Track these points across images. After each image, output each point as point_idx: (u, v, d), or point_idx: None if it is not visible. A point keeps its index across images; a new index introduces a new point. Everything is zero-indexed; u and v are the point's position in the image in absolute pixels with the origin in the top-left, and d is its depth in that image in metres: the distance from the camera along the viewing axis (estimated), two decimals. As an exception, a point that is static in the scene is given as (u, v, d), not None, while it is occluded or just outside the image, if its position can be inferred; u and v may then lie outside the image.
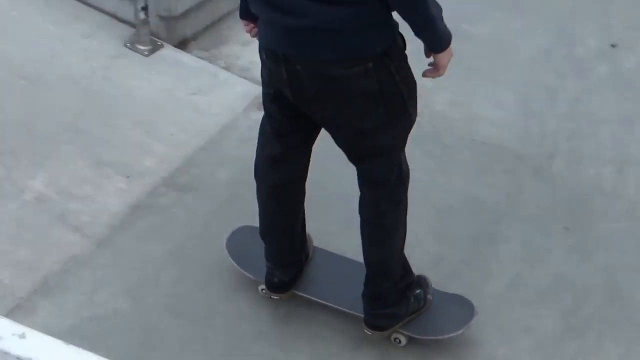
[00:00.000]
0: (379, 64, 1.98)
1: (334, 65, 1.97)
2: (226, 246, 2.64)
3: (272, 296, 2.53)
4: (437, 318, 2.47)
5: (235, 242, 2.65)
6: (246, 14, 2.14)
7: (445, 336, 2.45)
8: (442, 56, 2.03)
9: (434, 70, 2.06)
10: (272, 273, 2.47)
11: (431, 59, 2.06)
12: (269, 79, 2.13)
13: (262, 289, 2.55)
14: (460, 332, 2.43)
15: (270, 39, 2.03)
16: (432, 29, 1.97)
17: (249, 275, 2.59)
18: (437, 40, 2.00)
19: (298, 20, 1.91)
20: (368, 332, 2.42)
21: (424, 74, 2.09)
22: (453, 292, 2.55)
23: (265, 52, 2.06)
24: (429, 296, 2.46)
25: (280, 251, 2.45)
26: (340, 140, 2.20)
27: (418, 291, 2.43)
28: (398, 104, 2.08)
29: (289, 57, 1.98)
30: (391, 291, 2.35)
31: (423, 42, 2.01)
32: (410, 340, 2.45)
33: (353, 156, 2.23)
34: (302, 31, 1.93)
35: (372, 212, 2.28)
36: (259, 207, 2.41)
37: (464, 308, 2.48)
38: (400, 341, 2.44)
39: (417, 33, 1.97)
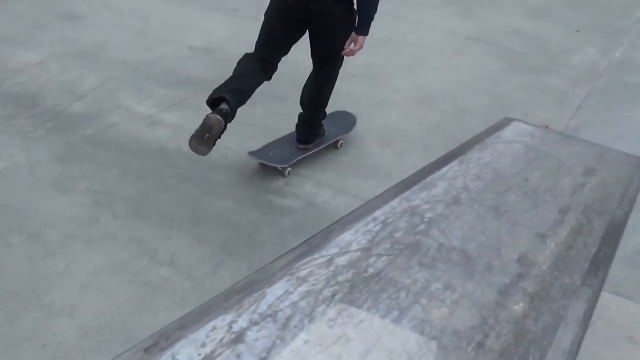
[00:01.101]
0: (350, 4, 3.37)
1: (331, 3, 3.30)
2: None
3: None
4: (336, 126, 4.05)
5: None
6: None
7: (346, 133, 4.04)
8: (364, 39, 3.46)
9: (357, 48, 3.49)
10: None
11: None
12: (285, 11, 3.35)
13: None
14: (351, 130, 4.07)
15: None
16: (372, 20, 3.43)
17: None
18: (369, 28, 3.44)
19: None
20: (301, 147, 3.80)
21: (347, 53, 3.52)
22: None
23: None
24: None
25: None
26: (322, 43, 3.54)
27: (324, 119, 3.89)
28: (351, 27, 3.43)
29: None
30: (318, 120, 3.83)
31: (362, 27, 3.44)
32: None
33: (323, 54, 3.61)
34: None
35: (322, 74, 3.70)
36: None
37: (349, 117, 4.20)
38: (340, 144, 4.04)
39: (366, 21, 3.42)
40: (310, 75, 3.78)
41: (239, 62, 3.52)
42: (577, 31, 6.18)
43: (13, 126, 3.91)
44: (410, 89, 4.79)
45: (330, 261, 1.69)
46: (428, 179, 2.21)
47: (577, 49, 5.83)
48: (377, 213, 1.96)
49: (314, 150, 3.83)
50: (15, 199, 3.35)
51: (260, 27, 3.52)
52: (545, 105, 4.81)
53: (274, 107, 4.36)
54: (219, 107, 3.27)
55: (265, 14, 3.48)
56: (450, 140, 3.76)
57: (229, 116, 3.29)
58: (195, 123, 4.05)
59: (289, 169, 3.72)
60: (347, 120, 4.19)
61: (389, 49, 5.37)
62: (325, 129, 3.94)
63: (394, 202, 2.02)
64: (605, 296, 3.10)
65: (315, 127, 3.84)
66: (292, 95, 4.51)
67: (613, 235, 2.17)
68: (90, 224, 3.22)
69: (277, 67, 3.56)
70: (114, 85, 4.42)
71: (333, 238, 1.80)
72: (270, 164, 3.69)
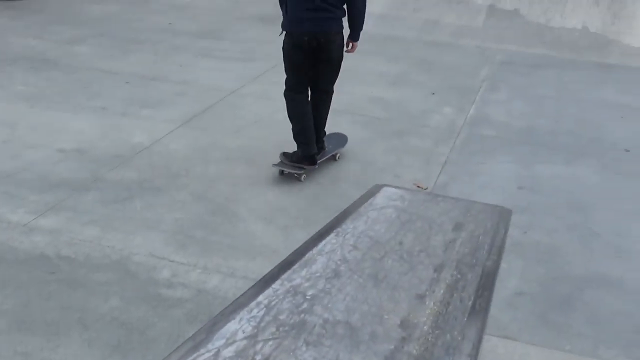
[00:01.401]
0: (342, 34, 4.51)
1: (333, 35, 4.46)
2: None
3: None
4: (334, 144, 5.08)
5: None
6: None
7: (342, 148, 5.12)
8: (357, 43, 4.69)
9: (354, 49, 4.70)
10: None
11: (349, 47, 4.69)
12: (303, 47, 4.43)
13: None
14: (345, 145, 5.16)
15: (310, 29, 4.38)
16: (361, 29, 4.61)
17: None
18: (359, 35, 4.65)
19: (326, 14, 4.37)
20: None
21: (349, 52, 4.69)
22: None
23: (307, 35, 4.38)
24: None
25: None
26: (327, 69, 4.62)
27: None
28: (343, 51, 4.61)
29: (318, 33, 4.39)
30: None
31: (354, 35, 4.63)
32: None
33: (328, 79, 4.71)
34: (328, 20, 4.39)
35: (320, 102, 4.77)
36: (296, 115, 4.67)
37: (342, 137, 5.24)
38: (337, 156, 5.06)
39: (356, 30, 4.61)
40: (308, 108, 4.68)
41: (292, 113, 4.68)
42: (433, 94, 6.51)
43: None
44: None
45: (217, 354, 1.66)
46: (307, 255, 2.23)
47: (436, 109, 6.13)
48: (260, 298, 1.95)
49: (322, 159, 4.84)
50: None
51: (284, 64, 4.60)
52: (413, 166, 4.99)
53: (152, 200, 4.29)
54: (316, 160, 4.71)
55: (287, 55, 4.54)
56: (330, 211, 3.84)
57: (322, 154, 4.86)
58: (74, 225, 3.94)
59: (304, 175, 4.69)
60: (341, 139, 5.20)
61: (261, 129, 5.45)
62: (325, 144, 4.93)
63: (276, 285, 2.02)
64: (492, 340, 3.20)
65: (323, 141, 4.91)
66: (169, 185, 4.48)
67: (486, 285, 2.25)
68: (-32, 346, 3.00)
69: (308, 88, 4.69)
70: (-16, 196, 4.22)
71: (218, 330, 1.77)
72: (292, 171, 4.66)
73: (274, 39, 7.54)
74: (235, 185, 4.54)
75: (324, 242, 2.35)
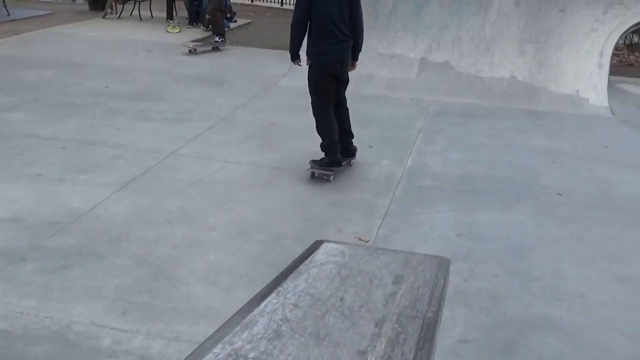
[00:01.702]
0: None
1: (349, 59, 5.71)
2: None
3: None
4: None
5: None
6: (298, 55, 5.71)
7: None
8: (357, 62, 5.88)
9: (353, 68, 5.84)
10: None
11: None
12: (331, 72, 5.60)
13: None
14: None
15: (338, 55, 5.59)
16: (360, 52, 5.82)
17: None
18: (359, 55, 5.83)
19: (346, 44, 5.62)
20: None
21: (350, 70, 5.83)
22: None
23: (337, 60, 5.58)
24: None
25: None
26: (344, 86, 5.86)
27: None
28: None
29: (342, 59, 5.63)
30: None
31: (356, 56, 5.79)
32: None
33: (344, 93, 5.91)
34: (347, 48, 5.65)
35: (345, 111, 5.94)
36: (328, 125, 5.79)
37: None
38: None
39: (357, 52, 5.79)
40: (332, 116, 5.81)
41: (325, 127, 5.79)
42: (370, 146, 6.63)
43: None
44: (226, 225, 4.85)
45: None
46: (248, 317, 2.22)
47: (374, 162, 6.24)
48: (201, 364, 1.93)
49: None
50: None
51: (311, 88, 5.74)
52: (354, 219, 5.05)
53: (93, 266, 4.21)
54: (341, 162, 5.88)
55: (315, 81, 5.66)
56: (273, 268, 3.84)
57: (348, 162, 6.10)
58: (11, 297, 3.83)
59: (332, 175, 5.76)
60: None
61: (200, 190, 5.44)
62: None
63: (217, 349, 2.01)
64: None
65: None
66: (109, 251, 4.41)
67: (427, 337, 2.28)
68: None
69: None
70: None
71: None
72: (323, 172, 5.73)
73: (212, 99, 7.58)
74: (176, 247, 4.50)
75: (265, 302, 2.35)
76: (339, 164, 5.84)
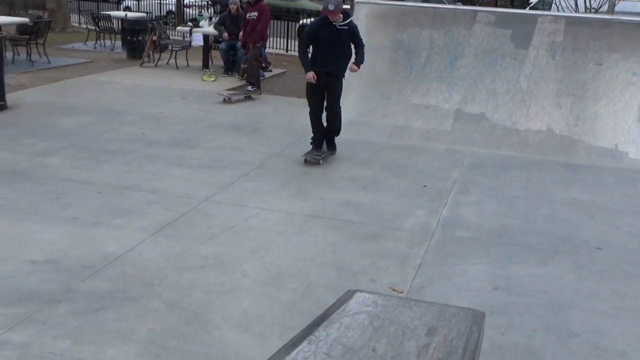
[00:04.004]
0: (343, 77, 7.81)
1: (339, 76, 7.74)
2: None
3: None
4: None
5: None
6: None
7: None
8: (359, 66, 7.73)
9: (355, 69, 7.72)
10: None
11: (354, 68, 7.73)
12: (318, 82, 7.66)
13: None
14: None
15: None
16: (363, 60, 7.76)
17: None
18: (362, 63, 7.75)
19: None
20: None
21: (352, 70, 7.72)
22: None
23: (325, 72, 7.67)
24: None
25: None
26: (332, 95, 7.79)
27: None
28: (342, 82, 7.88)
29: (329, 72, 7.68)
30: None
31: (358, 63, 7.68)
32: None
33: (332, 102, 7.80)
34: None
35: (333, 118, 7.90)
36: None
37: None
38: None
39: (360, 62, 7.69)
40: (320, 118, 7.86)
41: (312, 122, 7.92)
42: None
43: None
44: (259, 272, 4.90)
45: None
46: (280, 365, 2.26)
47: (408, 212, 6.27)
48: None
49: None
50: None
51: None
52: (388, 269, 5.06)
53: (126, 310, 4.28)
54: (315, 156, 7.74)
55: (307, 88, 7.78)
56: (306, 316, 3.87)
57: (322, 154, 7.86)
58: (45, 338, 3.91)
59: (321, 160, 7.58)
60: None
61: (234, 236, 5.52)
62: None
63: (251, 394, 2.04)
64: None
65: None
66: (143, 295, 4.48)
67: (461, 390, 2.28)
68: None
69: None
70: (-49, 312, 4.18)
71: None
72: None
73: (246, 147, 7.72)
74: (209, 293, 4.56)
75: (296, 350, 2.39)
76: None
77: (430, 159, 8.18)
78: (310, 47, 7.69)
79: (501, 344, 4.12)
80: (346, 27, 7.48)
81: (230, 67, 13.45)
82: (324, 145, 7.95)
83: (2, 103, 9.46)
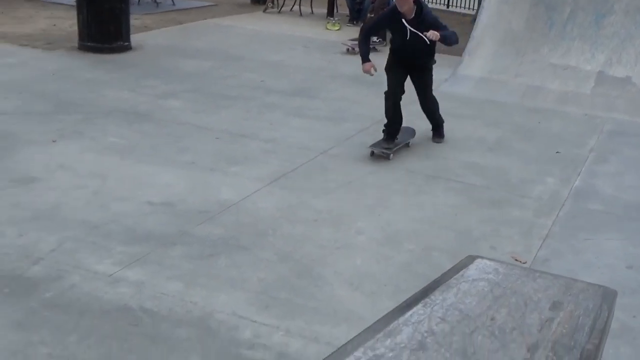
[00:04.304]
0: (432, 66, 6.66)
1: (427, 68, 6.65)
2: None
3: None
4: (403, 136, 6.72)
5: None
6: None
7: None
8: (439, 35, 6.13)
9: (436, 36, 6.11)
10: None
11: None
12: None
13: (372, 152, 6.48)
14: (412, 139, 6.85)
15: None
16: (448, 39, 6.31)
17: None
18: (444, 38, 6.21)
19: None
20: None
21: (431, 35, 6.10)
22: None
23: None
24: None
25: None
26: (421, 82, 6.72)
27: None
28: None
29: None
30: None
31: (444, 38, 6.19)
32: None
33: (423, 87, 6.74)
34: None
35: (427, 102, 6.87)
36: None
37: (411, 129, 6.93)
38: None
39: (446, 38, 6.21)
40: (399, 99, 6.63)
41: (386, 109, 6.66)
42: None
43: (-32, 295, 3.92)
44: (374, 230, 4.93)
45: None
46: (392, 325, 2.27)
47: (537, 179, 6.09)
48: (343, 365, 2.00)
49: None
50: (-30, 373, 3.31)
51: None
52: (511, 238, 4.97)
53: (238, 258, 4.44)
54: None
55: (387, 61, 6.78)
56: (420, 279, 3.87)
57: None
58: (159, 279, 4.13)
59: (392, 154, 6.36)
60: (410, 131, 6.88)
61: (350, 192, 5.56)
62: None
63: (358, 353, 2.07)
64: None
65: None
66: (255, 244, 4.62)
67: (585, 370, 2.23)
68: (49, 394, 3.18)
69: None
70: (73, 245, 4.48)
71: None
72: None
73: (367, 100, 7.71)
74: (322, 247, 4.64)
75: (410, 312, 2.39)
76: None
77: (566, 123, 7.87)
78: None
79: (632, 327, 3.97)
80: (419, 20, 6.22)
81: (355, 16, 13.39)
82: (400, 135, 6.71)
83: (126, 44, 9.87)
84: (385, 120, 6.57)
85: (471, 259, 2.99)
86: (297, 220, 5.01)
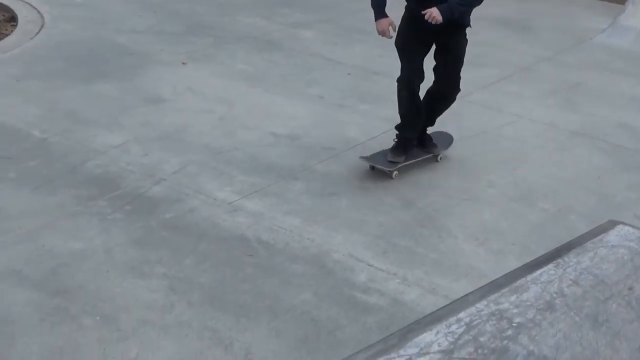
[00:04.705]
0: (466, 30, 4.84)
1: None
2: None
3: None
4: (439, 142, 5.17)
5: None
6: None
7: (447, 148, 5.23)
8: (438, 13, 4.55)
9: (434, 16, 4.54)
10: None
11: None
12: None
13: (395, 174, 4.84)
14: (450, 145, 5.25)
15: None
16: (449, 15, 4.53)
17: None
18: (445, 13, 4.52)
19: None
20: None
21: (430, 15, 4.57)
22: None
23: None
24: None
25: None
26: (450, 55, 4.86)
27: None
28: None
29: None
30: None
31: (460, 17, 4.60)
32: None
33: (451, 66, 4.87)
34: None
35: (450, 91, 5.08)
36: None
37: (447, 136, 5.30)
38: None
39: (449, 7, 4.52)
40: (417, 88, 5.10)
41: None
42: None
43: (92, 207, 4.19)
44: (507, 185, 4.86)
45: (409, 362, 1.77)
46: (519, 281, 2.26)
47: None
48: (462, 314, 2.02)
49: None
50: (91, 281, 3.57)
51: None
52: (659, 208, 4.78)
53: (359, 200, 4.51)
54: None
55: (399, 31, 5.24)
56: (552, 241, 3.80)
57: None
58: (277, 212, 4.27)
59: (396, 172, 4.78)
60: (446, 138, 5.25)
61: (484, 142, 5.49)
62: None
63: (481, 305, 2.08)
64: None
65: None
66: (379, 187, 4.67)
67: None
68: (164, 310, 3.40)
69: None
70: (195, 169, 4.69)
71: (412, 338, 1.87)
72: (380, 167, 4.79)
73: (513, 46, 7.50)
74: (448, 197, 4.63)
75: (540, 270, 2.37)
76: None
77: None
78: None
79: None
80: None
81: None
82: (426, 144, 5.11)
83: (263, -32, 9.99)
84: (399, 119, 4.96)
85: (612, 223, 2.90)
86: (424, 166, 5.01)
